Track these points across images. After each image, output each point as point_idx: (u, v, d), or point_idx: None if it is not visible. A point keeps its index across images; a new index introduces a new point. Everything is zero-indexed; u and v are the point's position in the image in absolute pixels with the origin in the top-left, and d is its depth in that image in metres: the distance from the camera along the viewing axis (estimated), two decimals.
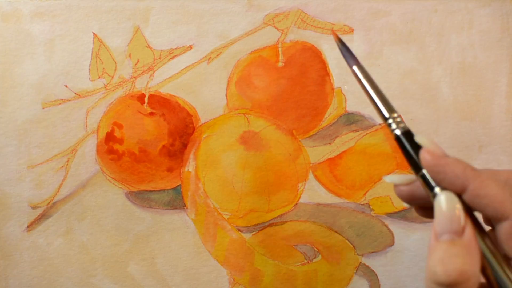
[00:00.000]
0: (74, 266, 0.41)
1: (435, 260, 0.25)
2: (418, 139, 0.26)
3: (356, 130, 0.41)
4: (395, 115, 0.27)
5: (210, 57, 0.41)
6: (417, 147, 0.26)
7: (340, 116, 0.41)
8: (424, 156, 0.25)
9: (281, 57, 0.41)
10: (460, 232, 0.25)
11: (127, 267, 0.41)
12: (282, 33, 0.41)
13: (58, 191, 0.41)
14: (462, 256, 0.24)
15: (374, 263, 0.42)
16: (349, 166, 0.41)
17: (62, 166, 0.41)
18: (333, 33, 0.32)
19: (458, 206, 0.25)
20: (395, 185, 0.28)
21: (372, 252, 0.42)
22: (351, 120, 0.41)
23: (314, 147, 0.41)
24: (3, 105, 0.41)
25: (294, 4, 0.41)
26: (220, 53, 0.41)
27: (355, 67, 0.29)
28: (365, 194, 0.42)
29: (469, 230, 0.25)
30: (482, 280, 0.26)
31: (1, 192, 0.41)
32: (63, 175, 0.41)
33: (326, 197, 0.41)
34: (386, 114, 0.27)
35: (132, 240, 0.41)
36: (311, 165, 0.41)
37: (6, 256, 0.41)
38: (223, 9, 0.41)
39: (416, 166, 0.26)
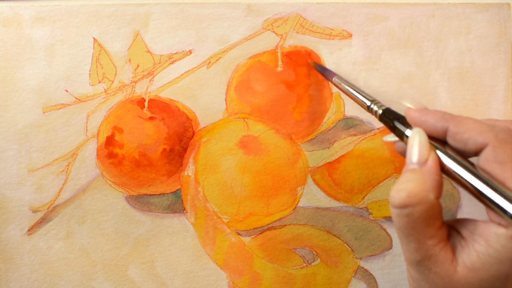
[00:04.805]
0: (74, 269, 0.42)
1: (395, 184, 0.27)
2: (403, 101, 0.30)
3: (354, 135, 0.42)
4: (374, 100, 0.33)
5: (210, 62, 0.41)
6: (398, 119, 0.31)
7: (339, 120, 0.42)
8: (409, 113, 0.30)
9: (280, 62, 0.42)
10: (422, 163, 0.27)
11: (127, 271, 0.42)
12: (281, 38, 0.41)
13: (58, 195, 0.41)
14: (416, 181, 0.26)
15: (373, 266, 0.42)
16: (347, 170, 0.42)
17: (63, 170, 0.41)
18: (308, 59, 0.39)
19: (423, 139, 0.28)
20: (394, 142, 0.32)
21: (370, 256, 0.42)
22: (349, 124, 0.42)
23: (313, 151, 0.42)
24: (4, 110, 0.41)
25: (293, 9, 0.41)
26: (219, 57, 0.41)
27: (335, 79, 0.37)
28: (363, 198, 0.42)
29: (431, 161, 0.27)
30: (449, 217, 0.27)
31: (2, 196, 0.41)
32: (64, 179, 0.41)
33: (324, 201, 0.42)
34: (368, 102, 0.34)
35: (132, 244, 0.42)
36: (310, 169, 0.42)
37: (7, 259, 0.41)
38: (223, 14, 0.41)
39: (399, 131, 0.31)
